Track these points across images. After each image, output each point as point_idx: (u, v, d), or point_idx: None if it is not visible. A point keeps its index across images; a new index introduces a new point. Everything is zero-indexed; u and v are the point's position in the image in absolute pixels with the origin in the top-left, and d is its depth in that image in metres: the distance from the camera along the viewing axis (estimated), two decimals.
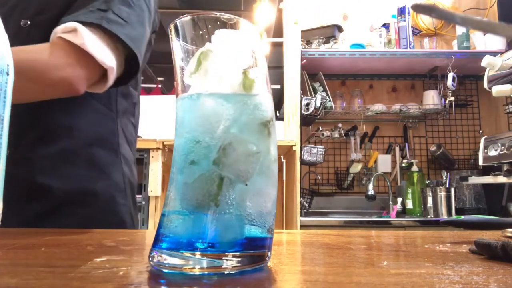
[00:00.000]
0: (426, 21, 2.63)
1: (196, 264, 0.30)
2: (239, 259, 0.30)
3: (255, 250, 0.32)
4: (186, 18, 0.34)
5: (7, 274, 0.30)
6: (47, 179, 0.69)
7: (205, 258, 0.30)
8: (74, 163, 0.73)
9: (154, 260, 0.31)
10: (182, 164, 0.32)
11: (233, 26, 0.34)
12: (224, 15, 0.34)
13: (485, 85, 1.84)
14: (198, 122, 0.33)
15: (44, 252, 0.40)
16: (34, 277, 0.29)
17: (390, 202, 2.40)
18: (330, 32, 2.42)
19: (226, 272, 0.30)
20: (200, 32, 0.35)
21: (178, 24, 0.35)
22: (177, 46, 0.35)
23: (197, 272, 0.29)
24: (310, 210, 2.41)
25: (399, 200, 2.41)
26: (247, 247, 0.31)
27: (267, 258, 0.33)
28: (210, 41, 0.34)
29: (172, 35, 0.35)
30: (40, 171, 0.71)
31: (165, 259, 0.31)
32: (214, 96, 0.33)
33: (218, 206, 0.30)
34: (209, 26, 0.34)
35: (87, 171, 0.74)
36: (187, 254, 0.30)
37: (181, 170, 0.32)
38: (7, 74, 0.35)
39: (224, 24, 0.34)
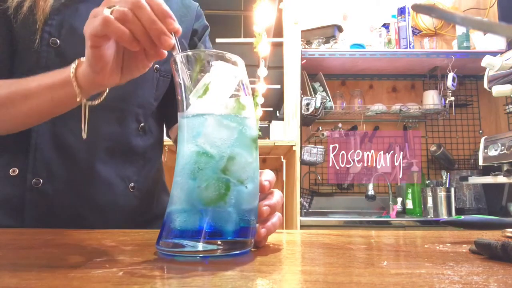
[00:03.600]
0: (426, 21, 2.63)
1: (199, 247, 0.37)
2: (234, 244, 0.38)
3: (245, 237, 0.40)
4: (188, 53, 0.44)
5: (7, 274, 0.30)
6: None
7: (208, 243, 0.37)
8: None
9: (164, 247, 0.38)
10: (191, 170, 0.39)
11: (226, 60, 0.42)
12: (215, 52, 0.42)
13: (485, 85, 1.84)
14: (209, 137, 0.39)
15: (44, 252, 0.40)
16: (34, 277, 0.29)
17: (390, 202, 2.40)
18: (330, 32, 2.42)
19: (222, 253, 0.38)
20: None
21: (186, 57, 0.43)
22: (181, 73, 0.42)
23: (200, 252, 0.37)
24: (310, 210, 2.41)
25: (399, 200, 2.41)
26: (239, 234, 0.39)
27: (251, 244, 0.40)
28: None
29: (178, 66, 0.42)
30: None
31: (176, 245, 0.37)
32: (223, 117, 0.40)
33: (226, 204, 0.39)
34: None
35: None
36: (194, 242, 0.37)
37: (192, 175, 0.39)
38: None
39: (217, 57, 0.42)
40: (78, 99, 0.52)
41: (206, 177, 0.38)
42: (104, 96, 0.57)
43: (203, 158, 0.38)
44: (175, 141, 0.86)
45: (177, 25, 0.46)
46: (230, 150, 0.39)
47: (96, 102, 0.55)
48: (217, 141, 0.39)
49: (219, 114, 0.40)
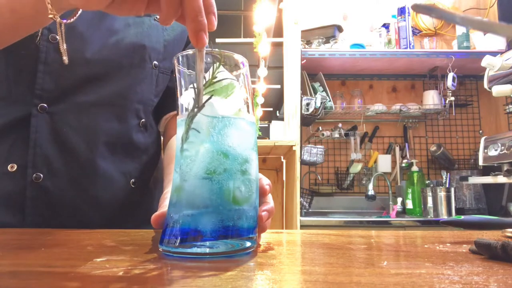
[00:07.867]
0: (426, 21, 2.63)
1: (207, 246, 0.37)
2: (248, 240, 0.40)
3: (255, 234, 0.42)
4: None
5: (7, 274, 0.30)
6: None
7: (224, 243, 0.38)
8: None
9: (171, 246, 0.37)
10: (212, 171, 0.38)
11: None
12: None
13: (485, 85, 1.84)
14: (230, 139, 0.39)
15: (44, 252, 0.40)
16: (34, 277, 0.29)
17: (390, 202, 2.40)
18: (330, 32, 2.42)
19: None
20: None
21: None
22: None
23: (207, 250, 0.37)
24: (310, 210, 2.41)
25: (399, 200, 2.41)
26: (254, 231, 0.41)
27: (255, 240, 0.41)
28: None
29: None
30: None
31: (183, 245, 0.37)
32: (245, 121, 0.42)
33: (251, 203, 0.40)
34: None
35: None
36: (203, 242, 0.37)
37: (213, 175, 0.39)
38: None
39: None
40: (50, 16, 0.46)
41: (233, 177, 0.39)
42: (78, 14, 0.51)
43: (227, 159, 0.39)
44: (163, 134, 0.86)
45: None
46: (249, 152, 0.41)
47: (71, 20, 0.49)
48: (241, 143, 0.40)
49: (245, 118, 0.42)
